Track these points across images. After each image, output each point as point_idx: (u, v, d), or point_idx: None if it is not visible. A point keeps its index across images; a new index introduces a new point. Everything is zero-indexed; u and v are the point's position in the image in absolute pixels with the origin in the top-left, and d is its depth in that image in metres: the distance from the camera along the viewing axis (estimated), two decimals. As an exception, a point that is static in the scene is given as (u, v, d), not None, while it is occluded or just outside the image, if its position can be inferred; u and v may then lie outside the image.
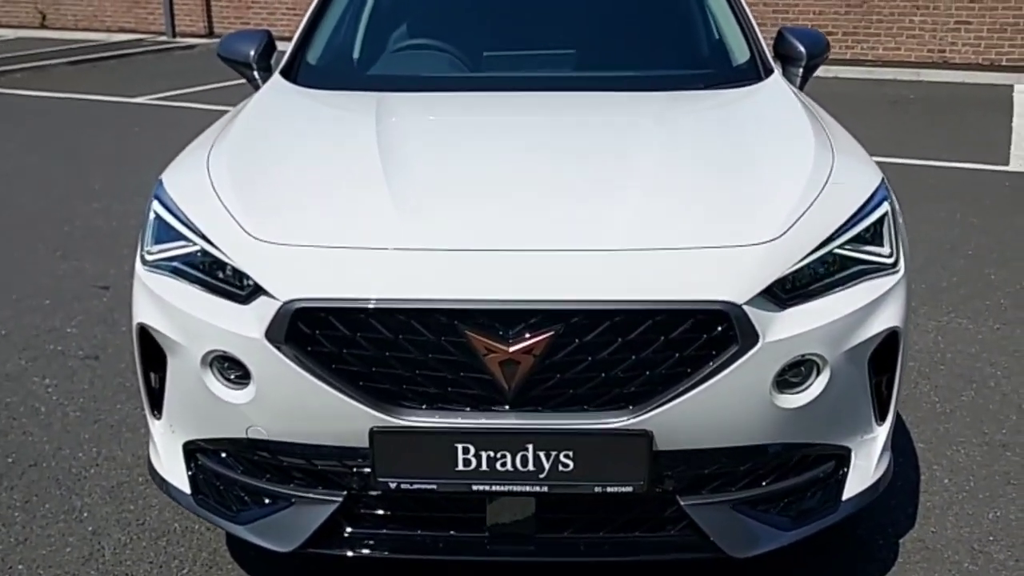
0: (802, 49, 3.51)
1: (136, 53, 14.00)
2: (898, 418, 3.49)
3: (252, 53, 3.53)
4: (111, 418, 3.59)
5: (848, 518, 2.76)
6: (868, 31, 12.21)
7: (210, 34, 15.53)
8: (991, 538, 2.85)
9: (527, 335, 2.07)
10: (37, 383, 3.86)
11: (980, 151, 7.67)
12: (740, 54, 3.44)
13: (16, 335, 4.31)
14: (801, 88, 3.46)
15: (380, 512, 2.28)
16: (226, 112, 3.23)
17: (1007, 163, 7.37)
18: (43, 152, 7.92)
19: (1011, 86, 10.71)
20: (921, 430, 3.46)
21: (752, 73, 3.31)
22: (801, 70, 3.51)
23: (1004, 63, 11.58)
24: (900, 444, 3.33)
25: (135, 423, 3.53)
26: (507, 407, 2.13)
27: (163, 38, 15.32)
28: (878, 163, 2.70)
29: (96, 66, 12.86)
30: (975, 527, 2.90)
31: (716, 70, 3.46)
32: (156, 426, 2.53)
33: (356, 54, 3.68)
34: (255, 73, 3.54)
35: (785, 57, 3.56)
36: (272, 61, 3.64)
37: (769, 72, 3.31)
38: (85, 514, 3.00)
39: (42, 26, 16.59)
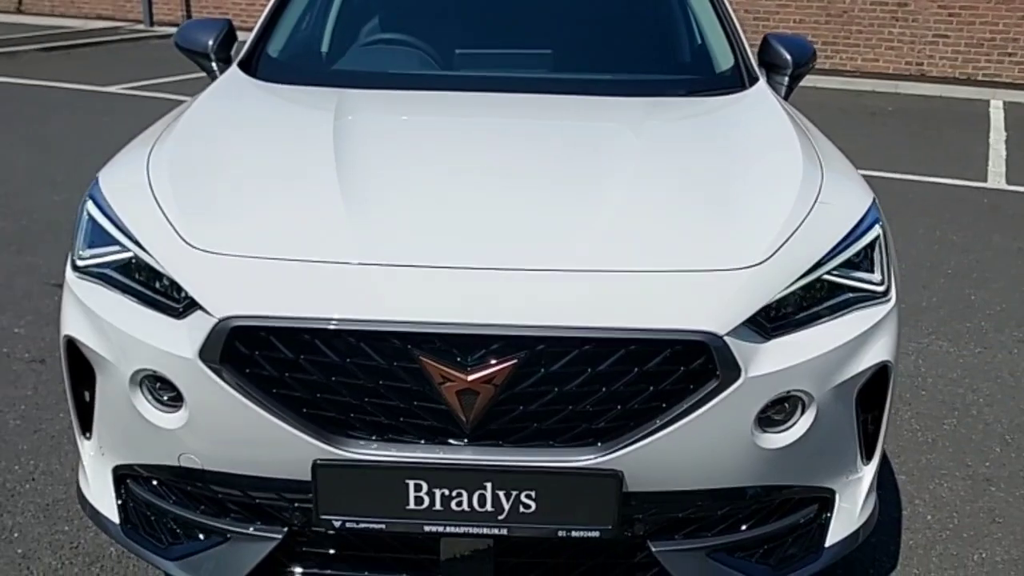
0: (788, 57, 3.35)
1: (112, 41, 13.67)
2: (878, 447, 3.35)
3: (210, 43, 3.31)
4: (52, 428, 3.38)
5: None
6: (847, 41, 12.13)
7: (187, 23, 15.21)
8: (975, 581, 2.71)
9: (488, 362, 1.89)
10: (-24, 387, 3.65)
11: (958, 166, 7.58)
12: (724, 60, 3.27)
13: (-43, 335, 4.09)
14: (786, 98, 3.30)
15: (324, 551, 2.10)
16: None
17: (985, 179, 7.28)
18: (5, 140, 7.63)
19: (987, 101, 10.68)
20: (903, 461, 3.32)
21: (736, 81, 3.14)
22: (787, 79, 3.35)
23: (980, 78, 11.54)
24: (881, 476, 3.12)
25: (75, 434, 3.32)
26: (464, 440, 1.95)
27: (140, 26, 14.99)
28: (857, 176, 2.54)
29: (69, 53, 12.53)
30: (960, 569, 2.76)
31: (699, 76, 3.30)
32: (85, 447, 2.33)
33: (321, 48, 3.50)
34: (213, 64, 3.32)
35: (770, 65, 3.39)
36: (232, 52, 3.43)
37: (754, 80, 3.15)
38: (16, 534, 2.80)
39: (18, 11, 16.16)
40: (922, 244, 5.67)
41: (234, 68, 3.17)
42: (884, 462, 3.27)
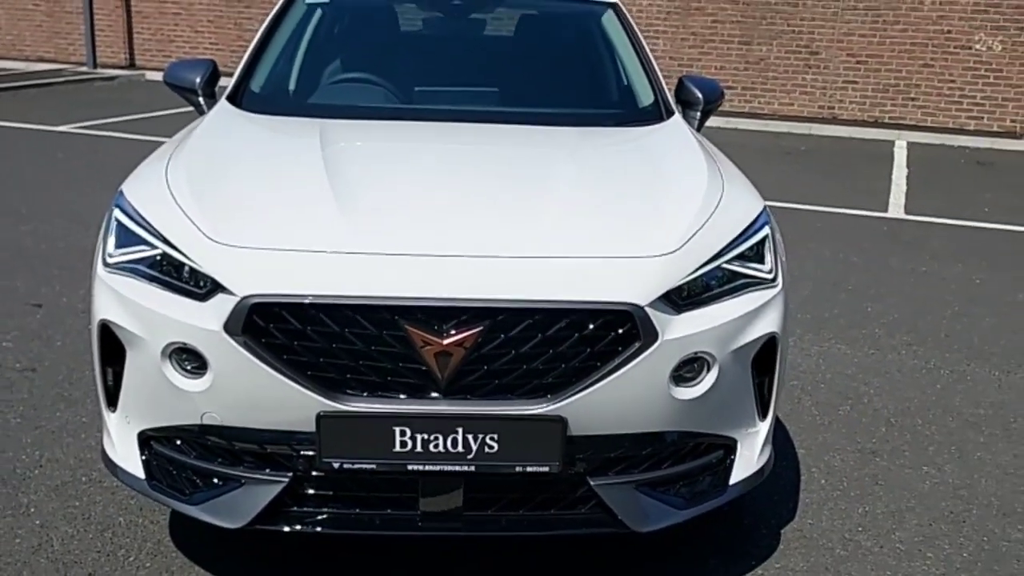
0: (699, 95, 3.93)
1: (57, 83, 13.94)
2: (781, 428, 3.90)
3: (198, 80, 3.78)
4: (51, 424, 3.74)
5: (734, 504, 3.14)
6: (765, 87, 12.98)
7: (131, 66, 15.54)
8: (860, 529, 3.24)
9: (459, 329, 2.37)
10: (-26, 393, 3.98)
11: (862, 199, 8.32)
12: (645, 97, 3.85)
13: (-51, 348, 4.41)
14: (699, 129, 3.88)
15: (322, 492, 2.53)
16: (155, 140, 3.45)
17: (886, 210, 8.02)
18: (-38, 177, 7.92)
19: (893, 141, 11.57)
20: (802, 439, 3.86)
21: (655, 114, 3.71)
22: (699, 114, 3.94)
23: (887, 120, 12.46)
24: (783, 450, 3.71)
25: (75, 429, 3.69)
26: (440, 395, 2.42)
27: (84, 68, 15.27)
28: (771, 207, 3.08)
29: (15, 95, 12.77)
30: (847, 520, 3.29)
31: (623, 110, 3.87)
32: (111, 418, 2.73)
33: (295, 85, 3.97)
34: (200, 99, 3.78)
35: (685, 102, 3.98)
36: (215, 89, 3.89)
37: (671, 114, 3.72)
38: (32, 509, 3.16)
39: (-44, 53, 16.36)
40: (828, 265, 6.31)
41: (223, 101, 3.64)
42: (786, 440, 3.82)
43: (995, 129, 12.04)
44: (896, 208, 8.09)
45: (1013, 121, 12.06)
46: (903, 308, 5.51)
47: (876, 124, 12.37)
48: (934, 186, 9.07)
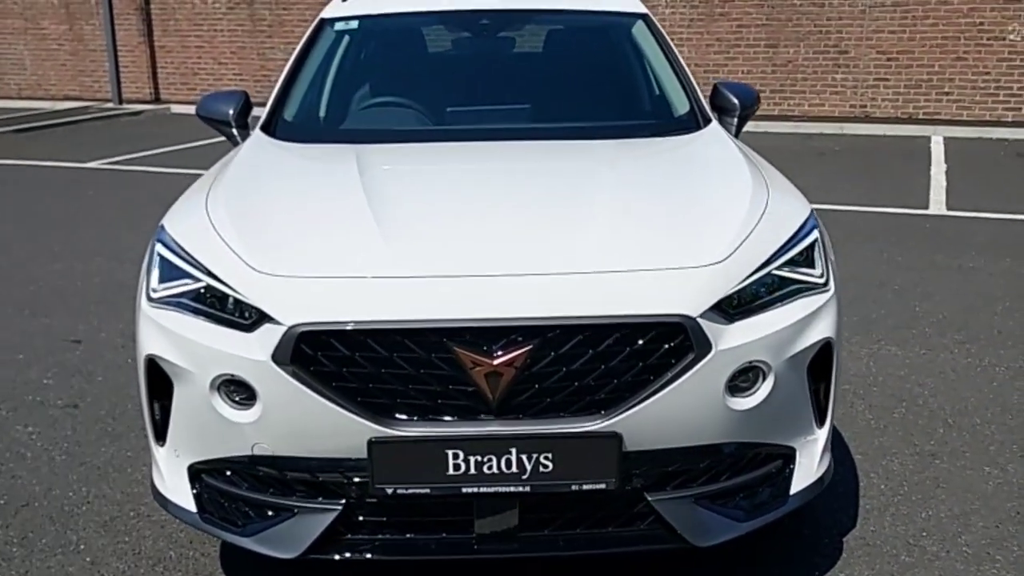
0: (735, 101, 3.88)
1: (83, 120, 14.12)
2: (836, 433, 3.81)
3: (231, 112, 3.78)
4: (97, 460, 3.73)
5: (793, 514, 3.05)
6: (794, 88, 12.87)
7: (156, 100, 15.72)
8: (924, 534, 3.14)
9: (508, 349, 2.32)
10: (20, 431, 3.99)
11: (902, 196, 8.19)
12: (680, 106, 3.80)
13: (-6, 387, 4.44)
14: (736, 135, 3.82)
15: (376, 518, 2.50)
16: (184, 173, 3.44)
17: (927, 207, 7.89)
18: (-1, 217, 8.02)
19: (928, 137, 11.40)
20: (858, 443, 3.77)
21: (692, 123, 3.66)
22: (736, 120, 3.88)
23: (921, 116, 12.30)
24: (839, 456, 3.62)
25: (121, 464, 3.68)
26: (492, 416, 2.37)
27: (109, 104, 15.45)
28: (809, 209, 3.00)
29: (44, 133, 12.95)
30: (910, 525, 3.20)
31: (659, 120, 3.82)
32: (160, 452, 2.71)
33: (327, 111, 3.96)
34: (234, 131, 3.78)
35: (721, 108, 3.92)
36: (248, 120, 3.89)
37: (708, 121, 3.67)
38: (82, 546, 3.15)
39: (-16, 95, 16.66)
40: (871, 265, 6.20)
41: (258, 131, 3.64)
42: (841, 445, 3.73)
43: (1034, 119, 11.86)
44: (937, 204, 7.95)
45: (1051, 110, 11.87)
46: (952, 306, 5.39)
47: (910, 120, 12.21)
48: (975, 180, 8.91)
